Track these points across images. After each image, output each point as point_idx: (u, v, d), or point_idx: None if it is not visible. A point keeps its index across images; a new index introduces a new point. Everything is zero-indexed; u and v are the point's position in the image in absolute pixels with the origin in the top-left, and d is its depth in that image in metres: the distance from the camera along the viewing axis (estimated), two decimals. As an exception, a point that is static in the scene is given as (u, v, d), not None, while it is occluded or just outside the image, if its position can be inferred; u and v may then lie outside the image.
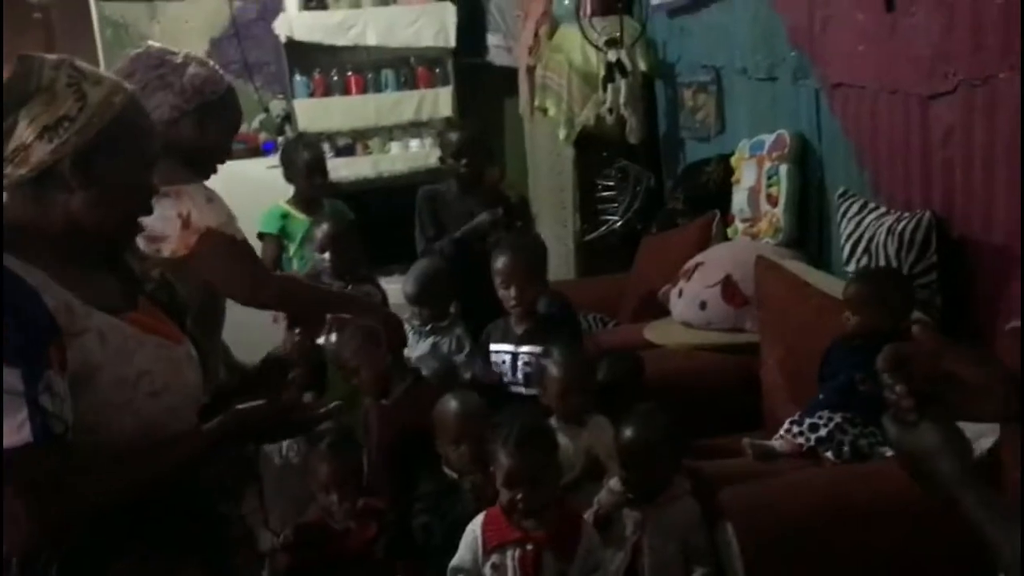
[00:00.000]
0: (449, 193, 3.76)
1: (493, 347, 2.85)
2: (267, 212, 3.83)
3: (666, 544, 2.13)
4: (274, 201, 3.91)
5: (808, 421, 2.39)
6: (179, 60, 2.15)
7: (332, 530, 2.27)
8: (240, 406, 1.45)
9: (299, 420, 1.52)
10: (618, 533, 2.18)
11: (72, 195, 1.30)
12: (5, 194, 1.31)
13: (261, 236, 3.76)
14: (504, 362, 2.81)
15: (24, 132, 1.26)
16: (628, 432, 2.20)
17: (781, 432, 2.45)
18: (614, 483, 2.23)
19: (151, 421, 1.34)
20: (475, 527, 2.03)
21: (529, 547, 1.96)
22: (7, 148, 1.27)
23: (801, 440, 2.37)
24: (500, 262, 2.77)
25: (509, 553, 1.97)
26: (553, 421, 2.43)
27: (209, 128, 2.19)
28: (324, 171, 3.92)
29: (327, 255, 3.32)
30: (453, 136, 3.84)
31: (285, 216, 3.80)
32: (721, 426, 2.80)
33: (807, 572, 2.05)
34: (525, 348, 2.78)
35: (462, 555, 2.02)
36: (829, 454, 2.32)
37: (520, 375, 2.77)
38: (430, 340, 3.06)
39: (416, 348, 3.06)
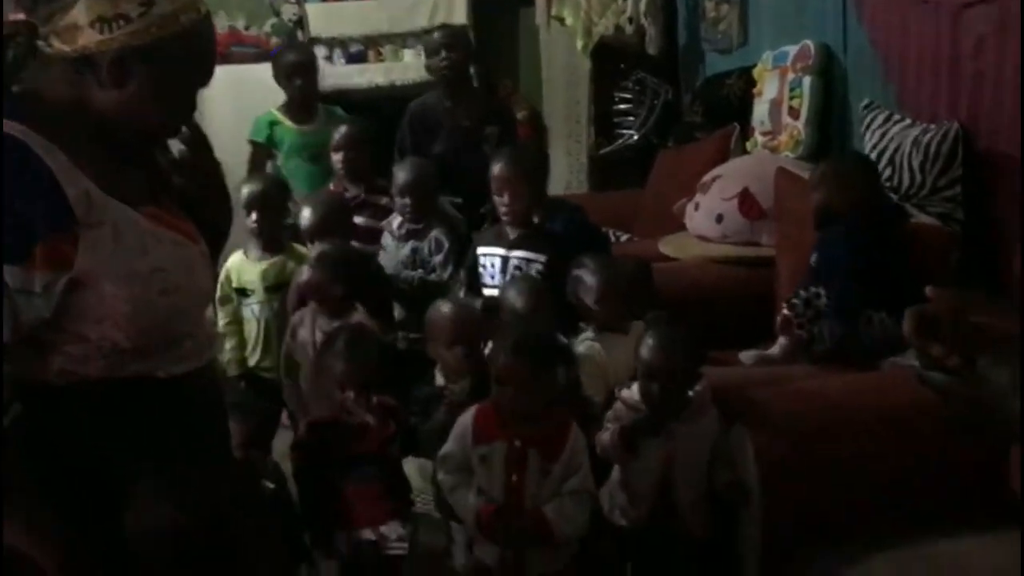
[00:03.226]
0: (439, 106, 3.55)
1: (482, 250, 2.81)
2: (256, 119, 3.74)
3: (697, 454, 2.13)
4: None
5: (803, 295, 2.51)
6: None
7: (348, 427, 2.28)
8: None
9: None
10: (645, 452, 2.13)
11: (104, 90, 1.29)
12: (47, 67, 1.29)
13: (251, 142, 3.70)
14: (492, 265, 2.76)
15: (81, 14, 1.25)
16: (650, 351, 2.11)
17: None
18: (627, 394, 2.18)
19: (159, 320, 1.32)
20: (466, 419, 2.07)
21: (517, 443, 2.01)
22: (61, 22, 1.25)
23: (787, 312, 2.49)
24: (495, 169, 2.74)
25: (497, 447, 2.02)
26: (591, 332, 2.43)
27: None
28: (307, 75, 3.72)
29: (340, 155, 3.26)
30: (435, 34, 3.60)
31: (273, 123, 3.71)
32: (734, 339, 2.80)
33: (821, 476, 2.07)
34: (517, 253, 2.73)
35: (451, 445, 2.07)
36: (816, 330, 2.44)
37: (508, 279, 2.71)
38: (409, 245, 3.01)
39: (397, 254, 3.04)
